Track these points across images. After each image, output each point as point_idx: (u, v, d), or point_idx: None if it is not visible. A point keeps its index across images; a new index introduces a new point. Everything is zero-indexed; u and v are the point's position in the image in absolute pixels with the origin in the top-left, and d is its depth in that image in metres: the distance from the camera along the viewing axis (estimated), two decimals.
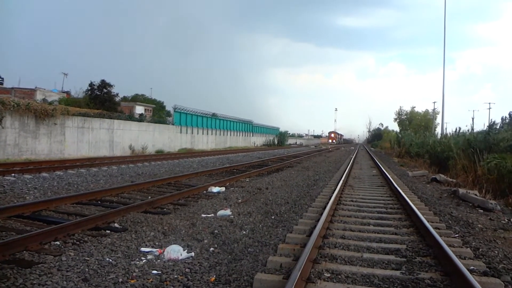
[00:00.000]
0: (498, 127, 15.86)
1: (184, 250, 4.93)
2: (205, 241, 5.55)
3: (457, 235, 6.24)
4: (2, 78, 41.86)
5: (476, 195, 10.14)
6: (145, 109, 46.33)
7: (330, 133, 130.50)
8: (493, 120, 15.87)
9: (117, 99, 35.18)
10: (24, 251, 4.59)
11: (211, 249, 5.22)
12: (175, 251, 4.78)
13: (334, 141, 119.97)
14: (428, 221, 6.29)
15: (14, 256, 4.44)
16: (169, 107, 51.17)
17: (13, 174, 11.26)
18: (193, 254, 4.88)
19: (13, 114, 17.87)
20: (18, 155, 17.85)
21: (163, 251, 4.86)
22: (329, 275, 4.17)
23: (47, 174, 11.85)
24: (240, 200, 8.85)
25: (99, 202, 8.00)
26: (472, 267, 4.46)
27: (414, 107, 77.67)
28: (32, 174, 11.75)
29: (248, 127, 59.49)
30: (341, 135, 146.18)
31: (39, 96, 34.57)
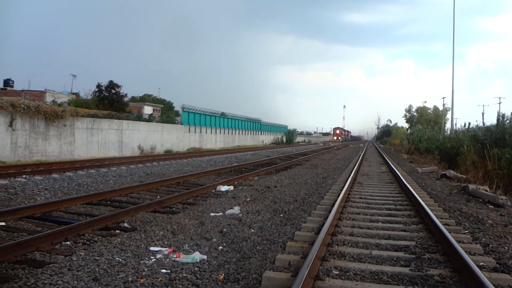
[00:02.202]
0: (508, 121, 15.50)
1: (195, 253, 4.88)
2: (214, 239, 5.57)
3: (466, 231, 6.19)
4: (13, 81, 42.28)
5: (486, 190, 10.04)
6: (154, 109, 46.61)
7: (335, 129, 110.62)
8: (503, 113, 15.51)
9: (125, 99, 35.33)
10: (36, 251, 4.66)
11: (220, 247, 5.24)
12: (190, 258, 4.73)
13: (339, 138, 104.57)
14: (437, 218, 6.26)
15: (26, 256, 4.51)
16: (177, 107, 51.37)
17: (24, 176, 11.40)
18: (205, 257, 4.78)
19: (23, 116, 18.09)
20: (29, 157, 18.06)
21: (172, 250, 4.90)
22: (337, 272, 4.16)
23: (57, 175, 11.98)
24: (248, 199, 8.87)
25: (108, 202, 8.07)
26: (481, 264, 4.44)
27: (425, 101, 77.39)
28: (43, 175, 11.89)
29: (257, 125, 59.52)
30: (349, 132, 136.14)
31: (48, 98, 34.98)
